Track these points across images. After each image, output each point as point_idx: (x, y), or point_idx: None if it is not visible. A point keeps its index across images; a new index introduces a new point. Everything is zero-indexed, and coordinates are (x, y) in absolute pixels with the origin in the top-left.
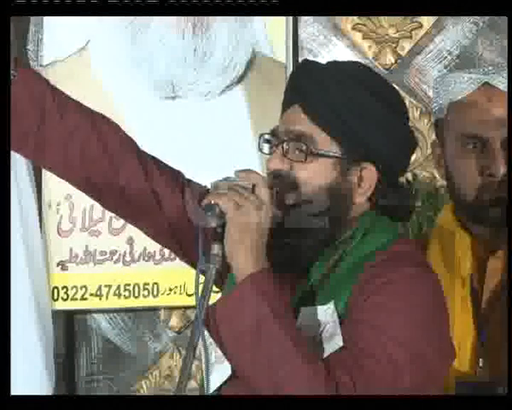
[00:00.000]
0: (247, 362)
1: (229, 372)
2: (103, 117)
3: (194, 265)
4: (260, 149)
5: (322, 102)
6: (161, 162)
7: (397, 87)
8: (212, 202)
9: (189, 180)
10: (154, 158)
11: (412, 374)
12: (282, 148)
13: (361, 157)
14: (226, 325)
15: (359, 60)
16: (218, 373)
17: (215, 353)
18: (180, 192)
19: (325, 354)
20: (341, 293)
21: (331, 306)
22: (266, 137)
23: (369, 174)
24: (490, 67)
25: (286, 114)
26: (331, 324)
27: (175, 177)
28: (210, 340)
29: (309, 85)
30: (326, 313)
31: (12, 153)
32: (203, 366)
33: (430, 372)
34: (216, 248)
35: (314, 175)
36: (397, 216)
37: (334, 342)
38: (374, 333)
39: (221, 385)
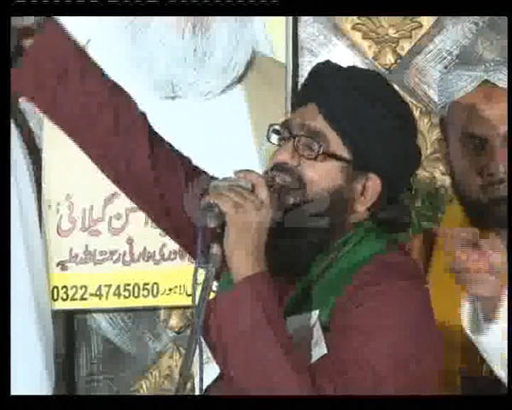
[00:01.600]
0: (238, 364)
1: (217, 371)
2: (122, 91)
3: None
4: (268, 139)
5: (340, 107)
6: (171, 146)
7: (397, 87)
8: (212, 201)
9: (196, 169)
10: (163, 140)
11: (395, 381)
12: (294, 142)
13: (369, 167)
14: (220, 326)
15: (359, 60)
16: (208, 373)
17: (206, 353)
18: (184, 179)
19: (310, 362)
20: (329, 298)
21: (316, 312)
22: (276, 127)
23: (373, 185)
24: (491, 63)
25: (301, 110)
26: (314, 331)
27: (181, 161)
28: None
29: (329, 87)
30: (310, 320)
31: (11, 153)
32: (197, 367)
33: (414, 379)
34: (215, 248)
35: (320, 176)
36: (392, 229)
37: (317, 350)
38: (358, 340)
39: (209, 385)
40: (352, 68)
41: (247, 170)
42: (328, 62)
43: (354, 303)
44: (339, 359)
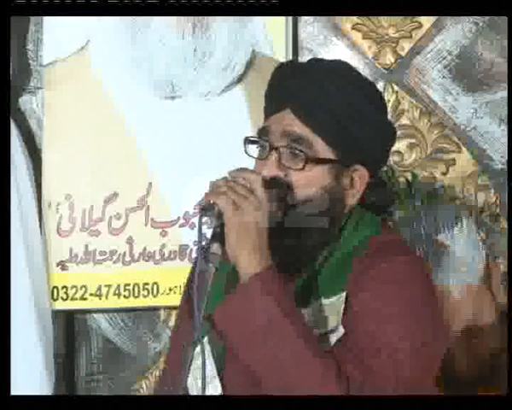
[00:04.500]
0: (258, 362)
1: (219, 392)
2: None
3: None
4: (246, 151)
5: (316, 109)
6: None
7: (397, 87)
8: (211, 201)
9: None
10: None
11: (412, 364)
12: (277, 154)
13: (354, 160)
14: (235, 326)
15: (359, 60)
16: (210, 392)
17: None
18: None
19: (329, 345)
20: (337, 283)
21: (324, 301)
22: (253, 139)
23: (361, 176)
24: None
25: (275, 118)
26: (328, 319)
27: None
28: (208, 348)
29: (299, 89)
30: (320, 310)
31: (12, 153)
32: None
33: (429, 360)
34: (215, 248)
35: (310, 181)
36: (380, 210)
37: (335, 336)
38: (372, 326)
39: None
40: (315, 63)
41: (243, 168)
42: (290, 63)
43: (360, 288)
44: (357, 346)
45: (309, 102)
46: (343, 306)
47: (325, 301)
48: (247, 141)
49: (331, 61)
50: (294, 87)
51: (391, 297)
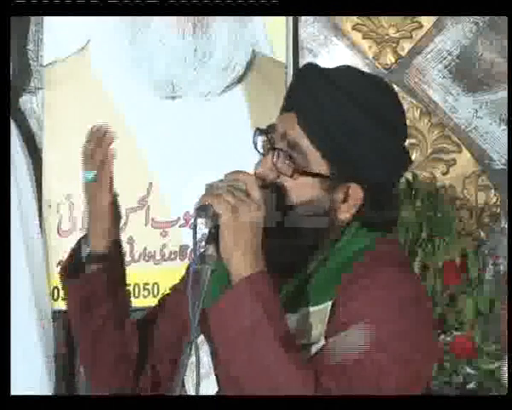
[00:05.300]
0: (240, 365)
1: (215, 388)
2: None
3: None
4: (255, 145)
5: (314, 117)
6: None
7: (397, 87)
8: (207, 202)
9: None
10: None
11: (397, 377)
12: (273, 155)
13: (349, 177)
14: (220, 328)
15: (359, 60)
16: (205, 388)
17: (202, 369)
18: None
19: (309, 356)
20: (327, 293)
21: (311, 309)
22: (262, 129)
23: (354, 193)
24: None
25: (283, 117)
26: (313, 328)
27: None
28: (202, 349)
29: (306, 97)
30: (307, 318)
31: (12, 153)
32: (194, 372)
33: (416, 373)
34: (210, 249)
35: (298, 187)
36: (380, 228)
37: (317, 346)
38: (357, 335)
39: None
40: (332, 72)
41: (239, 171)
42: (307, 67)
43: (350, 297)
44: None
45: (310, 111)
46: (328, 316)
47: (313, 309)
48: (257, 132)
49: (350, 73)
50: (303, 91)
51: (379, 307)
